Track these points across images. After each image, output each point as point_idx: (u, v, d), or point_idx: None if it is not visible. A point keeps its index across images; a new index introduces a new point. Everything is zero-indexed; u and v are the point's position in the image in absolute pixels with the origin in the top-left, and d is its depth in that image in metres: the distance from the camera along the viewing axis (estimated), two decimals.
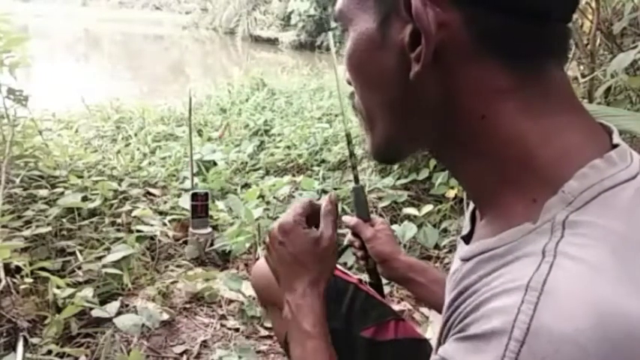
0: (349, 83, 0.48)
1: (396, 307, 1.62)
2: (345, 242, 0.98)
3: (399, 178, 2.37)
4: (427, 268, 0.90)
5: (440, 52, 0.38)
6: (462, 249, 0.46)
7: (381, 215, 2.17)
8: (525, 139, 0.39)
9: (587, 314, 0.30)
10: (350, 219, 0.96)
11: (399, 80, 0.41)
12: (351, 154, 1.02)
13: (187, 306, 1.67)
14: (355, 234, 0.96)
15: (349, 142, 1.02)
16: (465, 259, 0.43)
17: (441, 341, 0.41)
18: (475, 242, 0.43)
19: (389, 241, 0.93)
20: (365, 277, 1.00)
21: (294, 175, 2.68)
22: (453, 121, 0.41)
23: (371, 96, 0.46)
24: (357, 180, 1.00)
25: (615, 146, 0.40)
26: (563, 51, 0.42)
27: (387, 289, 1.14)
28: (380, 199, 2.25)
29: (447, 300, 0.43)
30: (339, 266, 0.95)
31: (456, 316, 0.39)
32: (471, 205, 0.52)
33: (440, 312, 0.61)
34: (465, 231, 0.51)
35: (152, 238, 1.95)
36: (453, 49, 0.38)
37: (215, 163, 2.81)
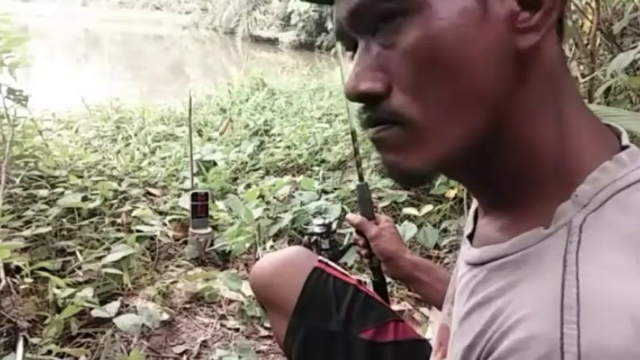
0: (367, 96, 0.40)
1: (395, 307, 1.62)
2: (346, 240, 0.99)
3: None
4: (432, 266, 0.90)
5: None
6: (469, 251, 0.44)
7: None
8: (540, 138, 0.39)
9: (629, 321, 0.30)
10: (354, 217, 0.96)
11: (500, 62, 0.37)
12: (356, 152, 1.02)
13: (187, 306, 1.67)
14: (359, 232, 0.96)
15: (354, 140, 1.01)
16: (474, 264, 0.42)
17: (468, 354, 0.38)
18: (482, 245, 0.42)
19: (393, 239, 0.92)
20: (364, 277, 1.00)
21: (294, 175, 2.68)
22: (508, 115, 0.39)
23: (452, 86, 0.37)
24: (361, 178, 1.00)
25: (624, 148, 0.39)
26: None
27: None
28: (380, 198, 2.25)
29: (463, 309, 0.41)
30: (338, 267, 0.95)
31: (483, 342, 0.36)
32: (474, 204, 0.52)
33: None
34: (468, 230, 0.50)
35: (152, 238, 1.95)
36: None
37: (215, 163, 2.81)
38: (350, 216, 0.97)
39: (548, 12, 0.37)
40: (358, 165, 1.01)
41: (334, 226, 1.04)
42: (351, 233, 1.79)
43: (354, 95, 0.40)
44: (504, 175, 0.41)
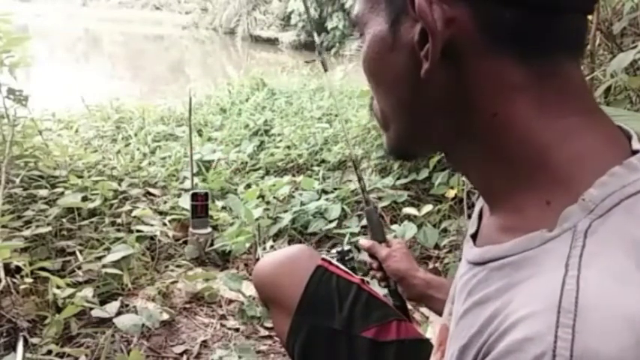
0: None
1: None
2: (356, 259, 1.00)
3: (398, 178, 2.37)
4: (444, 282, 0.90)
5: (449, 49, 0.38)
6: (471, 250, 0.44)
7: (380, 216, 2.18)
8: (539, 139, 0.38)
9: (627, 330, 0.29)
10: (365, 241, 0.98)
11: (411, 80, 0.41)
12: (360, 179, 1.04)
13: (187, 306, 1.67)
14: (372, 255, 0.97)
15: (356, 168, 1.05)
16: (475, 263, 0.42)
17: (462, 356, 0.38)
18: (485, 245, 0.42)
19: (405, 258, 0.93)
20: (365, 277, 1.01)
21: (294, 175, 2.68)
22: (464, 119, 0.41)
23: (386, 97, 0.46)
24: (368, 203, 1.02)
25: (635, 152, 0.38)
26: (580, 45, 0.41)
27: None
28: (380, 199, 2.25)
29: (461, 308, 0.41)
30: (341, 266, 0.95)
31: (479, 343, 0.36)
32: (479, 204, 0.52)
33: None
34: (472, 229, 0.50)
35: (152, 238, 1.95)
36: (463, 46, 0.38)
37: None
38: (361, 241, 1.00)
39: (434, 42, 0.38)
40: (363, 190, 1.04)
41: (352, 254, 1.04)
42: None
43: None
44: (489, 171, 0.42)
